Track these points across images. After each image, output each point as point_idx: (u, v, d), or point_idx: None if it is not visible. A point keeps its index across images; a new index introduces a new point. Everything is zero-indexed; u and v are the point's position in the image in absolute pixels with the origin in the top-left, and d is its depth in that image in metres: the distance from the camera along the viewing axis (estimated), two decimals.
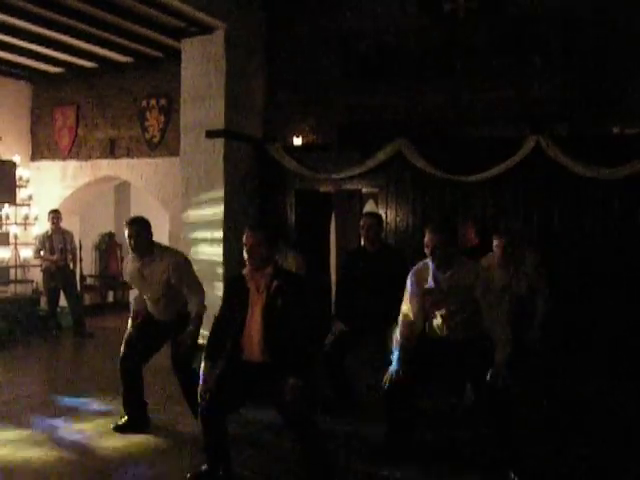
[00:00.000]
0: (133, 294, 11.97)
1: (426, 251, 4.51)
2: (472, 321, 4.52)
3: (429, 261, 4.57)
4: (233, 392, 4.20)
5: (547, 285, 5.86)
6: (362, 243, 6.06)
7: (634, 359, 6.64)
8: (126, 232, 5.20)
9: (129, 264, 5.45)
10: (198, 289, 5.27)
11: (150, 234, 5.30)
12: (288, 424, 4.18)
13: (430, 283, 4.55)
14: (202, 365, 4.23)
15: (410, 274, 4.71)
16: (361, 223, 5.97)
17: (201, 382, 4.20)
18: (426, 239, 4.49)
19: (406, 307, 4.72)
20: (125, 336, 5.48)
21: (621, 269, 6.94)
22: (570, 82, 7.34)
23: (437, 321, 4.62)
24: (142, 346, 5.38)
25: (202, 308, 5.23)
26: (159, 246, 5.38)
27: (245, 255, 4.13)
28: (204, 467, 4.34)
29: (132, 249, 5.25)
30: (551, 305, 5.85)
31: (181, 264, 5.29)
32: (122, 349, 5.42)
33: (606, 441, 5.14)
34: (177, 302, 5.28)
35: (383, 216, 7.42)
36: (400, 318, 4.76)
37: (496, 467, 4.47)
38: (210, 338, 4.37)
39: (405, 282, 4.75)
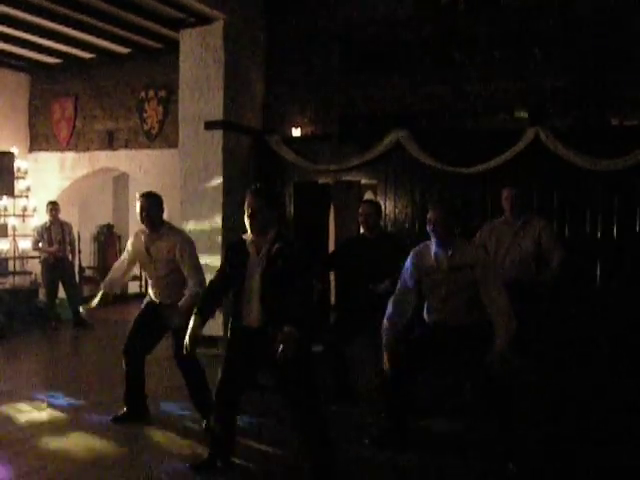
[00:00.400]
0: (132, 287, 12.09)
1: (428, 228, 4.53)
2: (470, 306, 4.50)
3: (430, 242, 4.60)
4: (243, 370, 4.21)
5: (560, 243, 5.85)
6: (361, 231, 6.08)
7: (635, 355, 6.64)
8: (138, 205, 5.22)
9: (135, 239, 5.41)
10: (198, 272, 5.22)
11: (161, 210, 5.31)
12: (288, 400, 4.15)
13: (431, 263, 4.56)
14: (192, 319, 4.24)
15: (410, 254, 4.71)
16: (360, 210, 5.98)
17: (187, 335, 4.21)
18: (429, 215, 4.53)
19: (399, 288, 4.73)
20: (130, 326, 5.48)
21: (622, 261, 6.94)
22: (570, 74, 7.32)
23: (435, 304, 4.62)
24: (144, 336, 5.37)
25: (198, 290, 5.18)
26: (168, 225, 5.37)
27: (246, 220, 4.09)
28: (205, 457, 4.37)
29: (142, 222, 5.24)
30: (566, 256, 5.77)
31: (186, 243, 5.25)
32: (126, 340, 5.41)
33: (608, 433, 5.16)
34: (179, 284, 5.26)
35: (382, 207, 7.43)
36: (392, 299, 4.75)
37: (495, 457, 4.50)
38: (204, 294, 4.42)
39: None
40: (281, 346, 3.84)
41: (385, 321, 4.70)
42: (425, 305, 4.75)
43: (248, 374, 4.32)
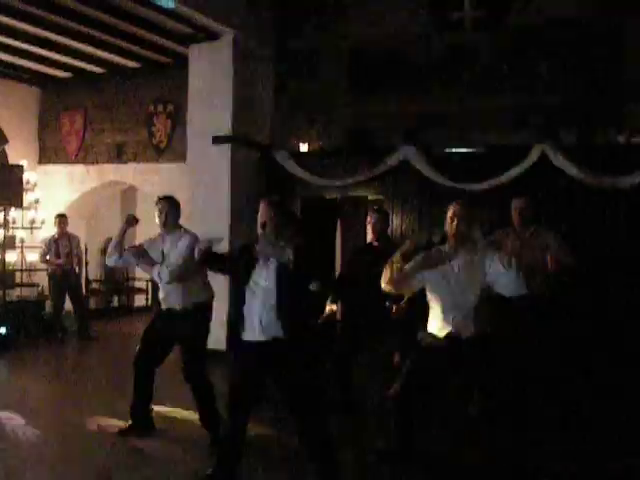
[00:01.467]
0: (138, 300, 12.09)
1: (449, 225, 4.51)
2: (478, 313, 4.50)
3: (442, 247, 4.59)
4: (253, 384, 4.21)
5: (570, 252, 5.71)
6: (368, 240, 6.11)
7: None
8: (157, 207, 5.29)
9: (152, 244, 5.43)
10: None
11: (178, 214, 5.40)
12: (295, 415, 4.15)
13: (443, 260, 4.54)
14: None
15: (421, 254, 4.64)
16: (368, 218, 6.02)
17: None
18: (450, 212, 4.52)
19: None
20: (141, 337, 5.49)
21: (628, 277, 6.92)
22: (576, 91, 7.34)
23: (442, 310, 4.59)
24: (155, 348, 5.36)
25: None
26: (184, 228, 5.42)
27: (259, 229, 4.10)
28: (208, 471, 4.35)
29: (160, 224, 5.30)
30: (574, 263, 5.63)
31: (190, 239, 5.24)
32: (137, 351, 5.42)
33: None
34: (193, 289, 5.27)
35: (389, 214, 7.48)
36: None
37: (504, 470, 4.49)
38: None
39: None
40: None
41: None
42: (430, 317, 4.72)
43: (258, 388, 4.32)
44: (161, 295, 5.43)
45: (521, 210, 5.83)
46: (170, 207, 5.32)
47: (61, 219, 9.58)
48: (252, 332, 4.12)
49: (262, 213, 4.11)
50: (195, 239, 5.23)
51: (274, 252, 4.07)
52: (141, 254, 5.40)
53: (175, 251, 5.24)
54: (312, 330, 4.16)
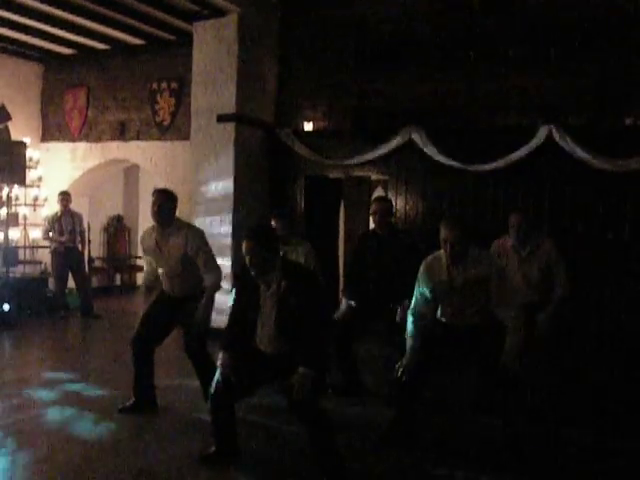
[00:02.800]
0: (140, 277, 12.11)
1: (443, 247, 4.51)
2: (485, 309, 4.54)
3: (441, 254, 4.60)
4: (245, 380, 4.20)
5: (565, 271, 5.66)
6: (372, 227, 6.07)
7: None
8: (152, 200, 5.22)
9: (147, 236, 5.42)
10: (214, 266, 5.25)
11: (174, 207, 5.31)
12: (296, 416, 4.17)
13: (443, 277, 4.57)
14: (219, 356, 4.22)
15: (422, 268, 4.70)
16: (372, 208, 5.97)
17: (217, 374, 4.21)
18: (443, 235, 4.47)
19: (415, 301, 4.74)
20: (140, 317, 5.50)
21: (634, 261, 6.90)
22: (584, 72, 7.28)
23: (448, 310, 4.65)
24: (155, 328, 5.38)
25: (217, 285, 5.23)
26: (179, 220, 5.38)
27: (247, 262, 4.04)
28: (212, 449, 4.39)
29: (154, 217, 5.23)
30: (568, 293, 5.64)
31: (197, 237, 5.25)
32: (135, 330, 5.42)
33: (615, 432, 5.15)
34: (193, 279, 5.26)
35: (393, 204, 7.43)
36: (410, 311, 4.76)
37: (502, 457, 4.51)
38: (226, 330, 4.36)
39: (416, 266, 4.75)
40: (296, 385, 3.87)
41: (408, 338, 4.70)
42: (439, 308, 4.76)
43: (251, 389, 4.35)
44: (165, 285, 5.43)
45: (518, 227, 5.69)
46: (164, 200, 5.22)
47: (64, 196, 9.56)
48: (261, 345, 4.20)
49: (246, 249, 4.02)
50: (192, 235, 5.23)
51: (272, 280, 4.08)
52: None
53: (199, 252, 5.18)
54: (324, 346, 4.15)
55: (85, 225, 9.99)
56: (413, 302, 4.75)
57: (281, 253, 4.49)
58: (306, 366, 3.90)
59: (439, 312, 4.76)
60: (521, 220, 5.68)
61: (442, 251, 4.59)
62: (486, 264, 4.54)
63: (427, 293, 4.65)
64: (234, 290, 4.51)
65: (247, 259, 4.02)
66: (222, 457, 4.37)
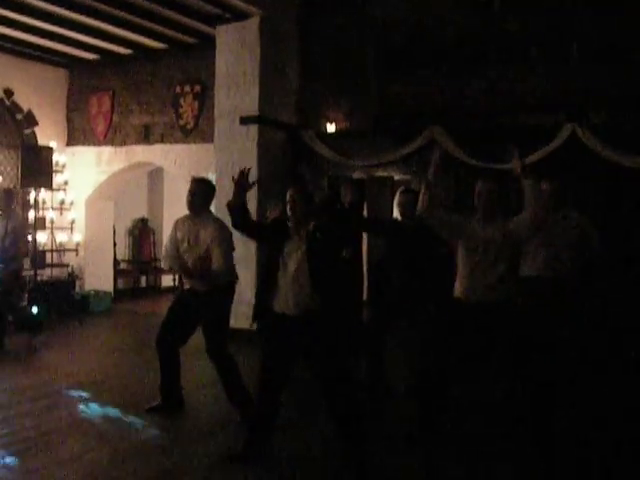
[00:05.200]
0: (165, 280, 12.21)
1: (477, 201, 4.71)
2: (501, 281, 4.59)
3: (474, 216, 4.76)
4: (284, 360, 4.30)
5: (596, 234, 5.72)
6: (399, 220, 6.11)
7: None
8: (189, 188, 5.32)
9: (180, 223, 5.45)
10: (225, 260, 5.23)
11: (209, 197, 5.43)
12: (325, 393, 4.21)
13: (474, 229, 4.69)
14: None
15: (458, 216, 4.86)
16: (398, 200, 5.99)
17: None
18: (478, 188, 4.73)
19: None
20: (164, 317, 5.55)
21: None
22: (607, 70, 7.24)
23: (469, 271, 4.66)
24: (178, 327, 5.43)
25: (218, 273, 5.22)
26: (211, 213, 5.46)
27: (288, 211, 4.34)
28: (238, 450, 4.41)
29: (188, 205, 5.32)
30: (600, 251, 5.68)
31: (221, 232, 5.26)
32: (159, 331, 5.48)
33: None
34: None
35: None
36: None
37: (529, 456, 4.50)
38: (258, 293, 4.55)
39: (444, 259, 4.93)
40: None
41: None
42: (458, 276, 4.75)
43: (289, 364, 4.37)
44: (188, 280, 5.48)
45: (552, 194, 5.72)
46: (201, 189, 5.32)
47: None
48: (284, 305, 4.22)
49: (290, 197, 4.35)
50: (218, 228, 5.28)
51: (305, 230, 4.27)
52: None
53: (215, 245, 5.21)
54: (346, 301, 4.26)
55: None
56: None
57: None
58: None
59: (457, 283, 4.75)
60: (553, 187, 5.69)
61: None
62: (513, 228, 4.66)
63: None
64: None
65: (289, 206, 4.33)
66: (250, 457, 4.39)
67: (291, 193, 4.39)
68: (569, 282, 5.61)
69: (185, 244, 5.35)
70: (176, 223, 5.52)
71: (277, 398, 4.37)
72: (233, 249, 5.40)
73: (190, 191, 5.29)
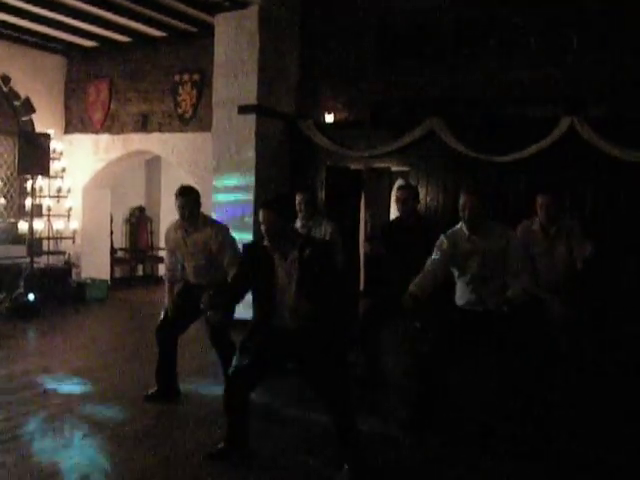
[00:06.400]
0: (162, 268, 12.21)
1: (462, 214, 4.69)
2: (502, 290, 4.62)
3: (460, 227, 4.78)
4: (262, 368, 4.22)
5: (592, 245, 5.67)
6: (397, 216, 6.10)
7: None
8: (178, 202, 5.28)
9: (172, 232, 5.51)
10: (236, 255, 5.27)
11: (200, 204, 5.41)
12: (319, 395, 4.18)
13: (464, 245, 4.71)
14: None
15: (441, 238, 4.84)
16: (396, 196, 5.99)
17: (234, 360, 4.22)
18: (462, 201, 4.68)
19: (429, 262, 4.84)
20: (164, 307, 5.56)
21: None
22: (607, 63, 7.23)
23: (467, 284, 4.68)
24: (178, 317, 5.45)
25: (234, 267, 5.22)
26: (203, 217, 5.47)
27: (263, 231, 4.09)
28: (220, 446, 4.34)
29: (183, 219, 5.32)
30: (594, 254, 5.62)
31: (222, 234, 5.35)
32: (160, 319, 5.50)
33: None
34: (219, 270, 5.33)
35: (417, 190, 7.50)
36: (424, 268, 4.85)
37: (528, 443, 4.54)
38: (224, 292, 4.40)
39: None
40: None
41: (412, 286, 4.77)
42: (456, 287, 4.80)
43: (267, 372, 4.30)
44: (191, 277, 5.49)
45: (547, 207, 5.70)
46: (191, 202, 5.30)
47: None
48: (281, 320, 4.14)
49: (262, 219, 4.08)
50: (218, 231, 5.34)
51: (290, 250, 4.09)
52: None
53: (223, 248, 5.28)
54: (342, 313, 4.17)
55: None
56: (427, 262, 4.85)
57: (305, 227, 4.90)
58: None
59: (457, 294, 4.80)
60: (550, 200, 5.69)
61: (460, 224, 4.78)
62: (503, 236, 4.70)
63: (443, 259, 4.76)
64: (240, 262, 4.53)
65: (263, 228, 4.07)
66: (231, 454, 4.30)
67: (263, 213, 4.09)
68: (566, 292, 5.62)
69: (183, 248, 5.40)
70: (167, 233, 5.58)
71: (248, 400, 4.32)
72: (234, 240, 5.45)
73: (182, 206, 5.27)
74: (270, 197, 4.45)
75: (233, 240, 5.45)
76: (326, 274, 4.07)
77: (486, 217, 4.72)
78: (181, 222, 5.39)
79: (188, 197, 5.30)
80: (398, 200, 5.95)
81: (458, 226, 4.84)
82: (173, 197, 5.35)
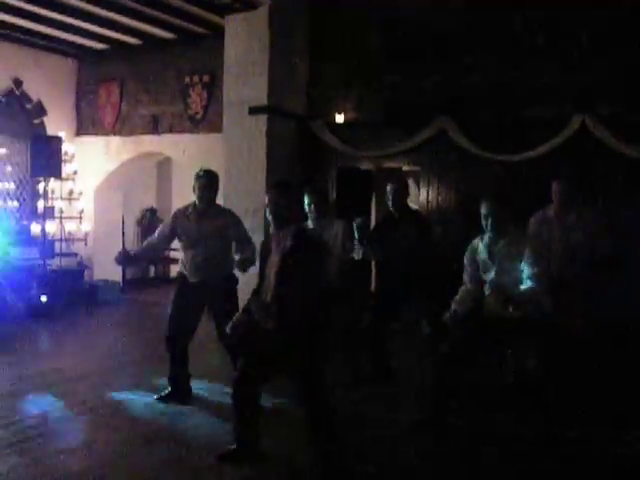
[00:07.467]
0: (174, 269, 12.23)
1: (484, 223, 4.72)
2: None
3: (481, 237, 4.85)
4: (262, 367, 4.17)
5: (608, 237, 5.69)
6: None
7: None
8: (199, 183, 5.29)
9: (181, 215, 5.50)
10: (250, 242, 5.39)
11: (218, 191, 5.47)
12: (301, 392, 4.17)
13: (483, 255, 4.77)
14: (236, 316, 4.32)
15: (467, 252, 4.94)
16: (387, 189, 6.03)
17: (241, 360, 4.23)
18: (483, 211, 4.71)
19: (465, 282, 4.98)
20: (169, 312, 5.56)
21: None
22: (617, 62, 7.18)
23: (490, 296, 4.70)
24: (185, 321, 5.46)
25: (250, 255, 5.24)
26: (217, 205, 5.54)
27: (268, 212, 4.15)
28: (231, 447, 4.32)
29: (201, 201, 5.33)
30: (611, 252, 5.66)
31: (237, 221, 5.45)
32: (167, 327, 5.50)
33: None
34: (223, 261, 5.37)
35: (425, 194, 7.51)
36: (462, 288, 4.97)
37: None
38: (250, 298, 4.34)
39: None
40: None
41: (453, 304, 4.84)
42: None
43: (266, 372, 4.23)
44: (190, 270, 5.47)
45: (562, 194, 5.70)
46: (212, 183, 5.36)
47: None
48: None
49: (269, 199, 4.12)
50: (233, 219, 5.43)
51: (284, 239, 4.08)
52: None
53: (239, 234, 5.37)
54: (318, 320, 4.12)
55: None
56: (463, 286, 4.98)
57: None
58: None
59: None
60: (565, 187, 5.69)
61: (478, 238, 4.88)
62: (522, 241, 4.73)
63: (474, 280, 4.89)
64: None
65: (269, 209, 4.11)
66: (242, 455, 4.29)
67: (270, 194, 4.15)
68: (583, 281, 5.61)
69: (193, 233, 5.38)
70: (175, 217, 5.55)
71: (257, 401, 4.28)
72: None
73: (203, 186, 5.29)
74: (282, 181, 4.50)
75: (242, 224, 5.52)
76: (298, 270, 3.97)
77: (507, 223, 4.74)
78: (194, 207, 5.39)
79: (210, 179, 5.34)
80: (388, 193, 6.08)
81: (476, 240, 4.91)
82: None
